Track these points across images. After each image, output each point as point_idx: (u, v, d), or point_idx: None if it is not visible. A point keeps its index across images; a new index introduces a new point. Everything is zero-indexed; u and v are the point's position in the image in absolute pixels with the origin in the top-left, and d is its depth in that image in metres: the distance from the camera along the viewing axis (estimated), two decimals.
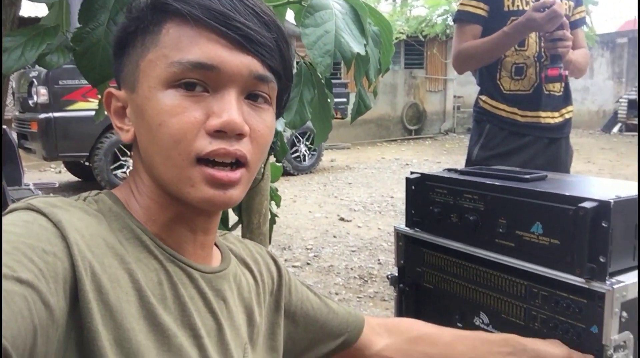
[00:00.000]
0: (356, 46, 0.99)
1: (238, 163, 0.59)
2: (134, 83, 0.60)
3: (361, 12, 1.05)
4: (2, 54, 0.89)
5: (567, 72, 1.90)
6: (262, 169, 1.84)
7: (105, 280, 0.52)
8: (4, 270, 0.44)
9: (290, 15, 1.45)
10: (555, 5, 1.75)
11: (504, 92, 2.02)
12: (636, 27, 11.33)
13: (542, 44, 1.95)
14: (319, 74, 1.03)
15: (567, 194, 0.96)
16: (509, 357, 0.95)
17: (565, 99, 2.05)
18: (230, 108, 0.57)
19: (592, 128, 13.17)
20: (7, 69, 0.87)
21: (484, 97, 2.08)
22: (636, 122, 11.54)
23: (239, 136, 0.58)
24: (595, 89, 13.90)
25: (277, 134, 1.20)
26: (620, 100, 12.69)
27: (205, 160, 0.58)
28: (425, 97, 13.63)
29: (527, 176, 1.17)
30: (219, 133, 0.57)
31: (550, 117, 2.03)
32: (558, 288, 1.00)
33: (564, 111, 2.05)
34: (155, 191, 0.62)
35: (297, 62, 1.16)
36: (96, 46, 0.94)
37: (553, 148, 2.05)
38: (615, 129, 12.56)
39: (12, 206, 0.55)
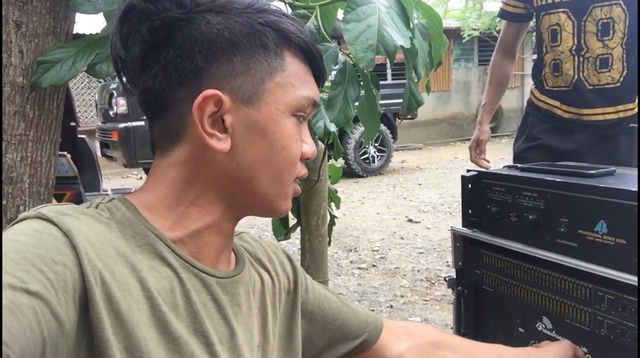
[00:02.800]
0: (400, 39, 0.95)
1: None
2: (252, 97, 0.60)
3: (407, 5, 1.02)
4: (55, 65, 0.93)
5: None
6: (319, 171, 1.84)
7: (115, 289, 0.52)
8: (14, 281, 0.44)
9: (341, 14, 1.44)
10: None
11: (547, 88, 1.95)
12: None
13: (583, 35, 1.80)
14: (363, 70, 1.00)
15: (632, 189, 0.89)
16: None
17: (621, 93, 1.81)
18: (311, 139, 0.68)
19: None
20: (59, 79, 0.92)
21: (532, 89, 2.05)
22: None
23: None
24: None
25: (330, 134, 1.19)
26: None
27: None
28: None
29: (593, 172, 1.10)
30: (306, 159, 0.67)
31: (594, 114, 1.84)
32: (625, 292, 0.92)
33: (621, 107, 1.82)
34: (210, 199, 0.63)
35: (343, 61, 1.14)
36: None
37: (608, 146, 1.85)
38: None
39: (22, 214, 0.55)
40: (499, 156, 9.08)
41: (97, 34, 1.12)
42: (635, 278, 0.88)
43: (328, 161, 2.10)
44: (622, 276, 0.91)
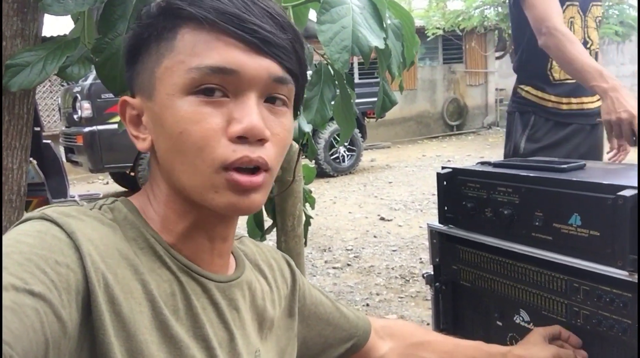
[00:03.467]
0: (374, 39, 0.96)
1: (258, 168, 0.59)
2: (150, 91, 0.59)
3: (379, 5, 1.02)
4: (25, 69, 0.91)
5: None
6: (294, 171, 1.83)
7: (118, 291, 0.52)
8: (17, 282, 0.44)
9: (312, 15, 1.44)
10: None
11: (553, 82, 1.97)
12: None
13: (586, 29, 1.91)
14: (339, 71, 1.01)
15: (605, 183, 0.91)
16: None
17: None
18: (251, 113, 0.57)
19: None
20: (29, 83, 0.89)
21: (527, 88, 2.04)
22: None
23: (260, 141, 0.58)
24: None
25: (305, 135, 1.19)
26: None
27: (226, 168, 0.57)
28: (465, 91, 13.39)
29: (565, 166, 1.12)
30: (241, 139, 0.56)
31: (591, 102, 1.98)
32: (600, 282, 0.95)
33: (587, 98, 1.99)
34: (173, 199, 0.61)
35: (317, 62, 1.15)
36: (116, 55, 0.95)
37: (594, 134, 2.01)
38: None
39: (26, 215, 0.55)
40: (466, 153, 9.23)
41: (65, 35, 1.10)
42: (610, 269, 0.91)
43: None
44: (596, 268, 0.94)
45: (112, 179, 7.54)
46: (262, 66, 0.58)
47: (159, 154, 0.61)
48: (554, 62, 1.96)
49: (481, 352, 0.98)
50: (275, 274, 0.78)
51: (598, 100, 1.96)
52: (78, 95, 6.08)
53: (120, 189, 7.40)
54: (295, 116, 0.69)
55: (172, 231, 0.61)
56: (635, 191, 0.87)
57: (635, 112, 1.60)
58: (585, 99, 1.96)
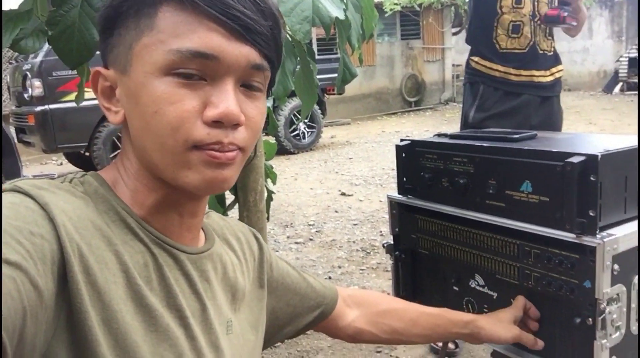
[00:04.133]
0: (335, 10, 0.97)
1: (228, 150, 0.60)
2: (125, 65, 0.59)
3: None
4: None
5: (565, 14, 1.90)
6: (255, 147, 1.83)
7: (92, 262, 0.53)
8: None
9: None
10: None
11: (500, 51, 2.02)
12: None
13: (537, 3, 1.96)
14: (300, 43, 1.01)
15: (554, 150, 0.96)
16: (465, 338, 1.01)
17: (555, 58, 2.09)
18: (227, 98, 0.57)
19: (593, 89, 13.05)
20: None
21: (476, 59, 2.08)
22: (636, 81, 11.41)
23: (235, 125, 0.59)
24: (595, 50, 13.74)
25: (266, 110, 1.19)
26: (621, 59, 12.54)
27: (198, 148, 0.58)
28: (423, 67, 13.51)
29: (517, 136, 1.17)
30: (216, 123, 0.57)
31: (543, 76, 2.04)
32: (550, 246, 0.99)
33: (554, 70, 2.07)
34: (143, 174, 0.62)
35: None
36: (71, 28, 0.93)
37: (546, 107, 2.08)
38: (617, 89, 12.44)
39: None
40: (424, 128, 9.37)
41: (15, 9, 1.07)
42: (559, 232, 0.96)
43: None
44: (546, 231, 0.98)
45: (66, 160, 7.33)
46: (242, 53, 0.58)
47: (132, 131, 0.61)
48: (499, 31, 2.00)
49: (444, 319, 1.00)
50: (243, 246, 0.79)
51: (550, 75, 2.03)
52: (28, 73, 5.84)
53: (75, 169, 7.22)
54: (268, 94, 0.70)
55: (142, 205, 0.62)
56: (583, 158, 0.91)
57: None
58: (535, 73, 2.02)
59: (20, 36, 0.91)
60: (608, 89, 12.69)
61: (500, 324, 0.99)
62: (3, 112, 7.62)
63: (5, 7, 1.01)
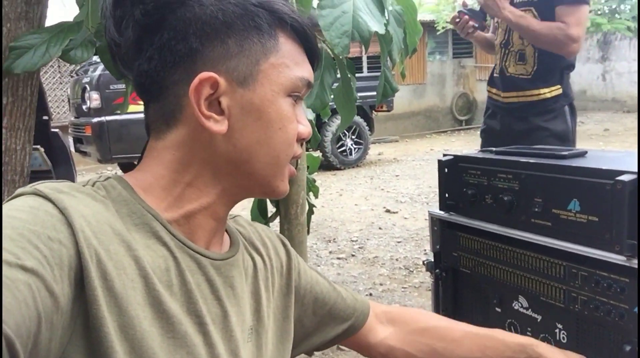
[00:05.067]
0: (375, 25, 0.96)
1: None
2: (248, 79, 0.61)
3: None
4: (29, 51, 0.92)
5: (477, 24, 2.14)
6: (297, 160, 1.83)
7: (110, 267, 0.52)
8: (9, 257, 0.44)
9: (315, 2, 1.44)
10: None
11: (494, 76, 2.25)
12: None
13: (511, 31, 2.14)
14: (339, 56, 1.01)
15: (603, 168, 0.91)
16: None
17: (533, 84, 2.15)
18: (306, 120, 0.68)
19: None
20: (33, 65, 0.90)
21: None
22: None
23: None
24: None
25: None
26: None
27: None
28: (475, 86, 13.32)
29: (565, 153, 1.12)
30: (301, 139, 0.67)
31: (508, 98, 2.19)
32: (598, 268, 0.95)
33: (527, 93, 2.16)
34: (206, 181, 0.63)
35: (319, 46, 1.15)
36: None
37: (522, 124, 2.18)
38: None
39: (18, 190, 0.55)
40: (474, 147, 9.20)
41: (67, 22, 1.11)
42: (608, 254, 0.91)
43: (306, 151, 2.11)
44: (595, 253, 0.94)
45: (120, 170, 7.58)
46: None
47: (237, 141, 0.61)
48: (497, 56, 2.25)
49: (495, 340, 0.89)
50: (270, 252, 0.78)
51: (523, 97, 2.17)
52: (87, 86, 6.11)
53: None
54: None
55: (181, 208, 0.62)
56: (634, 176, 0.87)
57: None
58: (509, 94, 2.23)
59: (69, 47, 0.95)
60: None
61: (563, 353, 0.90)
62: (63, 124, 7.97)
63: (59, 20, 1.05)
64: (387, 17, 1.04)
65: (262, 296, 0.72)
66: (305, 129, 0.67)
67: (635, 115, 12.29)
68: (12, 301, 0.42)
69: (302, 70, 0.65)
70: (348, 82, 1.14)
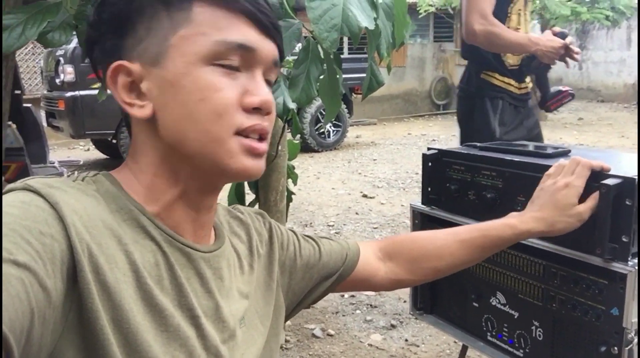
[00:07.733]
0: (365, 19, 0.94)
1: (260, 137, 0.63)
2: (158, 57, 0.59)
3: None
4: (4, 32, 0.88)
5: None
6: (278, 146, 1.82)
7: (102, 261, 0.53)
8: (1, 252, 0.44)
9: None
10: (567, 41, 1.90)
11: (509, 68, 2.08)
12: None
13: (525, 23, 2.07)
14: (327, 50, 0.99)
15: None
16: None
17: (523, 73, 2.15)
18: (263, 88, 0.62)
19: (628, 102, 12.75)
20: (8, 47, 0.86)
21: (491, 73, 2.10)
22: None
23: (268, 114, 0.63)
24: (632, 61, 13.40)
25: (289, 111, 1.17)
26: None
27: (239, 133, 0.61)
28: (454, 71, 13.34)
29: (550, 152, 1.13)
30: (255, 110, 0.61)
31: (525, 88, 2.13)
32: (577, 269, 0.96)
33: (523, 83, 2.14)
34: (165, 168, 0.62)
35: (305, 37, 1.12)
36: None
37: (532, 117, 2.17)
38: None
39: (9, 186, 0.54)
40: (451, 132, 9.26)
41: (45, 2, 1.06)
42: (588, 256, 0.92)
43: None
44: (575, 254, 0.95)
45: (93, 146, 7.44)
46: (269, 48, 0.63)
47: (165, 122, 0.60)
48: None
49: (490, 239, 0.90)
50: (251, 231, 0.78)
51: (524, 87, 2.12)
52: (61, 58, 5.93)
53: (102, 156, 7.32)
54: None
55: (158, 201, 0.62)
56: (619, 180, 0.88)
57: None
58: (523, 85, 2.11)
59: (47, 29, 0.91)
60: None
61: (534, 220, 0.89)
62: (35, 96, 7.76)
63: None
64: (377, 11, 1.02)
65: (249, 282, 0.73)
66: (255, 97, 0.61)
67: (610, 105, 12.51)
68: (5, 296, 0.42)
69: (227, 34, 0.59)
70: (334, 76, 1.12)
